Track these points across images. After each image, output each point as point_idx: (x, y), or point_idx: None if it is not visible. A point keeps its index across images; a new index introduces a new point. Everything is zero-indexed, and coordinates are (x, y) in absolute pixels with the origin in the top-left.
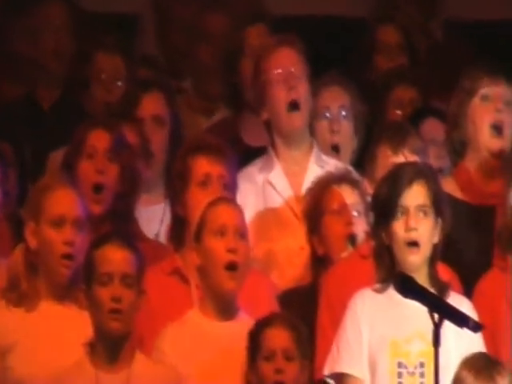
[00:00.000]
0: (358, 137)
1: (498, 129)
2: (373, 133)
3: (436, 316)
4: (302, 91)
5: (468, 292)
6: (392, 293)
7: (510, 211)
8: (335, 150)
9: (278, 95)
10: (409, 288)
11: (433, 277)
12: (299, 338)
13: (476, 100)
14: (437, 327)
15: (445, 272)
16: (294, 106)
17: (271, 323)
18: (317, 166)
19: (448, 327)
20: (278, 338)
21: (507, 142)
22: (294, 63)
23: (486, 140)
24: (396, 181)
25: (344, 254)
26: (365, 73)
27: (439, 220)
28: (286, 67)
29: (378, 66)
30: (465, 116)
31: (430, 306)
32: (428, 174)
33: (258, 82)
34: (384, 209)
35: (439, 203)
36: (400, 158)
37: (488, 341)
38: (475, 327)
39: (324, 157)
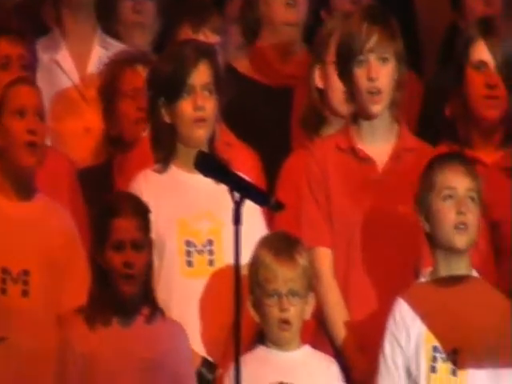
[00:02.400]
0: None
1: (291, 5)
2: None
3: (236, 195)
4: None
5: (269, 174)
6: (175, 172)
7: (314, 92)
8: (139, 27)
9: None
10: (209, 166)
11: (212, 153)
12: (146, 225)
13: None
14: (238, 206)
15: (247, 155)
16: None
17: (120, 211)
18: (101, 48)
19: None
20: (127, 230)
21: (302, 14)
22: None
23: (281, 14)
24: (181, 60)
25: (145, 134)
26: None
27: (218, 97)
28: None
29: None
30: None
31: (231, 185)
32: (211, 53)
33: None
34: (168, 88)
35: (220, 81)
36: (201, 37)
37: (291, 221)
38: (276, 206)
39: (109, 39)
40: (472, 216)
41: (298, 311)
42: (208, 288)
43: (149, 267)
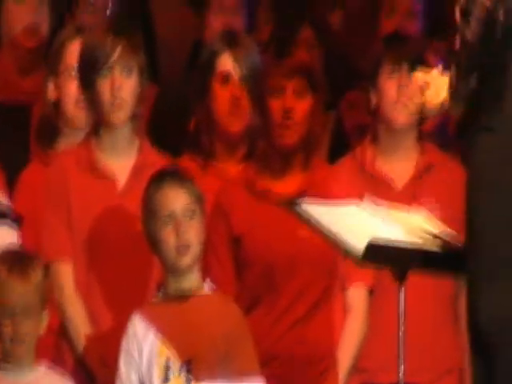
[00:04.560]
0: None
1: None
2: None
3: None
4: None
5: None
6: None
7: (49, 104)
8: None
9: None
10: None
11: None
12: None
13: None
14: None
15: None
16: None
17: None
18: None
19: None
20: None
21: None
22: None
23: (20, 37)
24: None
25: None
26: None
27: None
28: None
29: None
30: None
31: None
32: None
33: None
34: None
35: None
36: None
37: (29, 233)
38: (16, 219)
39: None
40: (194, 233)
41: (30, 328)
42: None
43: None
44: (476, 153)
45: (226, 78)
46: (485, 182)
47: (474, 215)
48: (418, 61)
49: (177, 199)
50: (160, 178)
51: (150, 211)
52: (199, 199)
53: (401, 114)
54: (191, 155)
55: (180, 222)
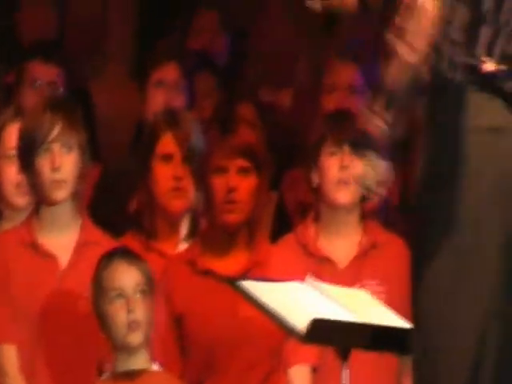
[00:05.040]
0: None
1: None
2: None
3: None
4: None
5: None
6: None
7: None
8: None
9: None
10: None
11: None
12: None
13: None
14: None
15: None
16: None
17: None
18: None
19: None
20: None
21: None
22: None
23: None
24: None
25: None
26: None
27: None
28: None
29: None
30: None
31: None
32: None
33: None
34: None
35: None
36: None
37: None
38: None
39: None
40: (144, 310)
41: None
42: None
43: None
44: (421, 240)
45: (167, 158)
46: (431, 267)
47: (419, 294)
48: (360, 140)
49: (127, 277)
50: (111, 257)
51: (100, 289)
52: (149, 279)
53: (342, 194)
54: (133, 234)
55: (130, 300)
